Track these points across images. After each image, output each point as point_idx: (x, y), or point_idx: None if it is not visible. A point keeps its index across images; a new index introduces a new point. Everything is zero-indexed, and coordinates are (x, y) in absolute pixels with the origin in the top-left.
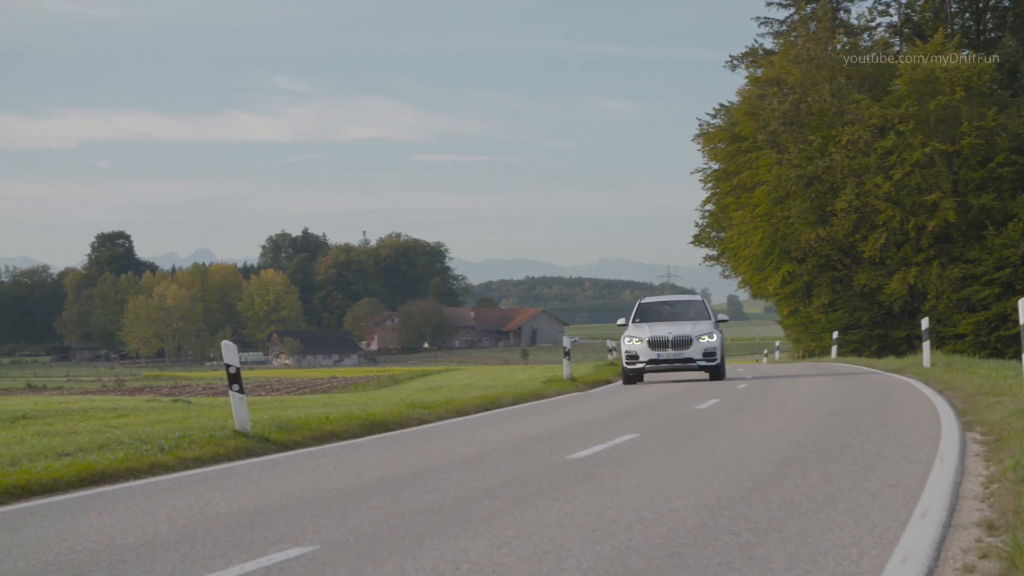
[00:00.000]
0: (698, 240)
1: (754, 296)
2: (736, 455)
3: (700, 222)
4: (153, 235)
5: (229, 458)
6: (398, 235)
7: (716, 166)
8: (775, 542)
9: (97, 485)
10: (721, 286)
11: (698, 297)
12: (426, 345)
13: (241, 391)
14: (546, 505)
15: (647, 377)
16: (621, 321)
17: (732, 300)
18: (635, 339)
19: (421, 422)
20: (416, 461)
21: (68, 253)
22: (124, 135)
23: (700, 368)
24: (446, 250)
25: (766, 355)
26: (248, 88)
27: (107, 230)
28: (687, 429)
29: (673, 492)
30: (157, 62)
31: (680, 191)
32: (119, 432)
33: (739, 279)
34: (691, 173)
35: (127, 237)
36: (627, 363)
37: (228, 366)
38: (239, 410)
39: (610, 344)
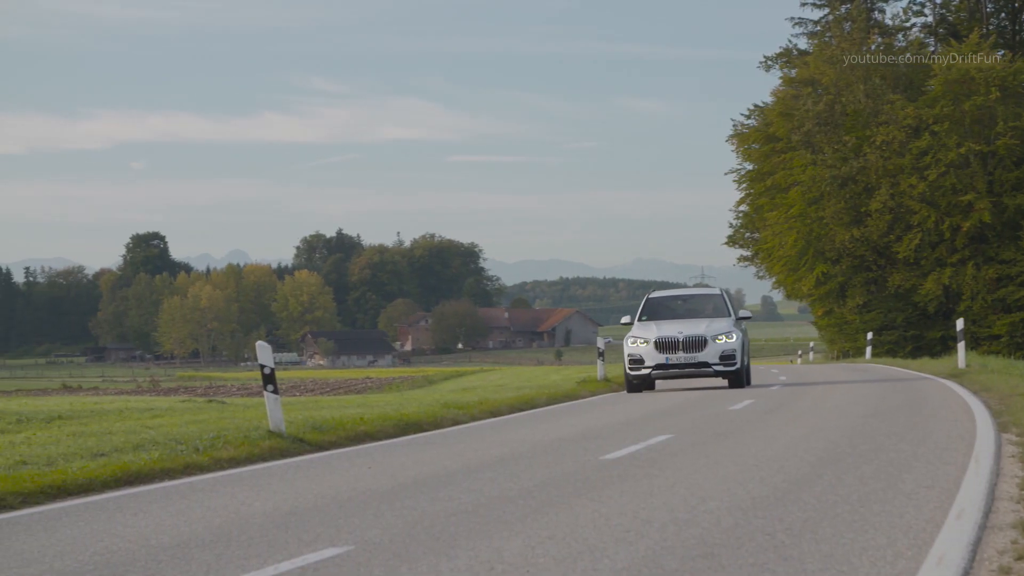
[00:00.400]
0: (732, 241)
1: (788, 297)
2: (770, 456)
3: (734, 223)
4: (188, 236)
5: (264, 458)
6: (432, 236)
7: (750, 167)
8: (809, 543)
9: (132, 485)
10: (755, 287)
11: (716, 290)
12: (460, 346)
13: (275, 391)
14: (580, 506)
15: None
16: (625, 319)
17: (766, 301)
18: (639, 340)
19: (455, 422)
20: (450, 461)
21: (103, 254)
22: (159, 136)
23: (717, 374)
24: (480, 251)
25: (800, 356)
26: (283, 89)
27: (142, 231)
28: (721, 430)
29: (707, 493)
30: (192, 63)
31: (714, 192)
32: (154, 432)
33: (773, 280)
34: (725, 174)
35: (162, 238)
36: (630, 368)
37: (263, 367)
38: (273, 410)
39: None
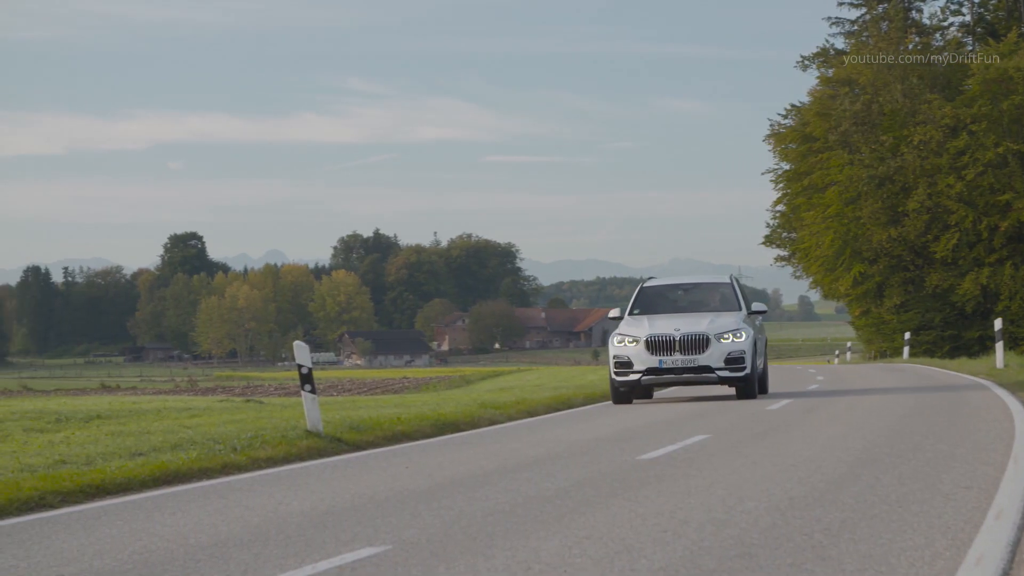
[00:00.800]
0: (769, 240)
1: (825, 297)
2: (808, 456)
3: (771, 222)
4: (225, 236)
5: (301, 458)
6: (469, 236)
7: (787, 166)
8: (847, 543)
9: (170, 484)
10: (792, 287)
11: (725, 278)
12: (497, 346)
13: (313, 391)
14: (617, 506)
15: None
16: (614, 312)
17: (803, 300)
18: (627, 339)
19: (492, 422)
20: (487, 461)
21: (141, 254)
22: (196, 136)
23: (722, 381)
24: (517, 251)
25: (837, 356)
26: (320, 89)
27: (180, 231)
28: (758, 430)
29: (745, 493)
30: (230, 64)
31: (751, 192)
32: (192, 432)
33: (810, 280)
34: (762, 174)
35: (199, 238)
36: (616, 374)
37: (300, 366)
38: (311, 410)
39: None
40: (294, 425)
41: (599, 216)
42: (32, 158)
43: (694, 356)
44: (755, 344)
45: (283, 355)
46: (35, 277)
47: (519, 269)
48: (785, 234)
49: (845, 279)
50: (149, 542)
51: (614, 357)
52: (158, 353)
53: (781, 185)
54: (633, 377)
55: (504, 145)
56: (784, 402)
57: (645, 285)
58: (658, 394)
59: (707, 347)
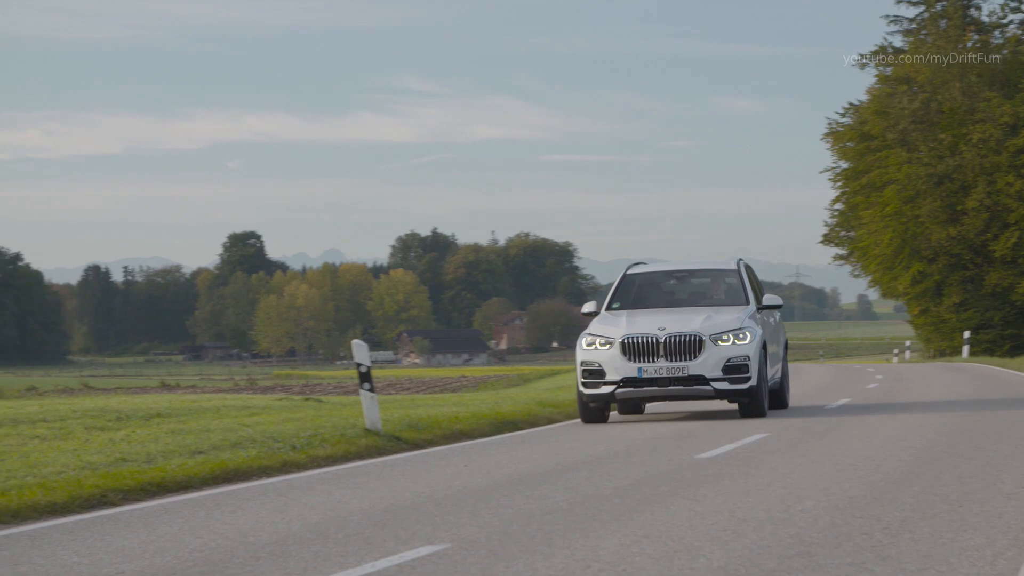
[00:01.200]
0: (827, 239)
1: (884, 296)
2: (867, 455)
3: (829, 221)
4: (284, 235)
5: (360, 456)
6: (526, 235)
7: (845, 165)
8: (907, 543)
9: (230, 483)
10: (851, 285)
11: (731, 263)
12: (555, 344)
13: (372, 390)
14: (676, 504)
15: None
16: (588, 307)
17: (862, 299)
18: (599, 340)
19: (551, 421)
20: (546, 460)
21: (200, 253)
22: (254, 136)
23: (719, 395)
24: (574, 249)
25: (896, 355)
26: (376, 89)
27: (238, 230)
28: (817, 428)
29: (804, 492)
30: (286, 63)
31: (808, 190)
32: (251, 430)
33: (869, 278)
34: (820, 172)
35: (258, 237)
36: (585, 385)
37: (359, 365)
38: (370, 409)
39: None
40: (353, 424)
41: (656, 215)
42: (92, 158)
43: (683, 363)
44: (763, 347)
45: (341, 354)
46: (96, 276)
47: (576, 268)
48: (843, 233)
49: (904, 278)
50: (210, 540)
51: (582, 364)
52: (217, 352)
53: (839, 184)
54: (605, 390)
55: (560, 144)
56: (843, 401)
57: (630, 271)
58: (651, 407)
59: (700, 351)
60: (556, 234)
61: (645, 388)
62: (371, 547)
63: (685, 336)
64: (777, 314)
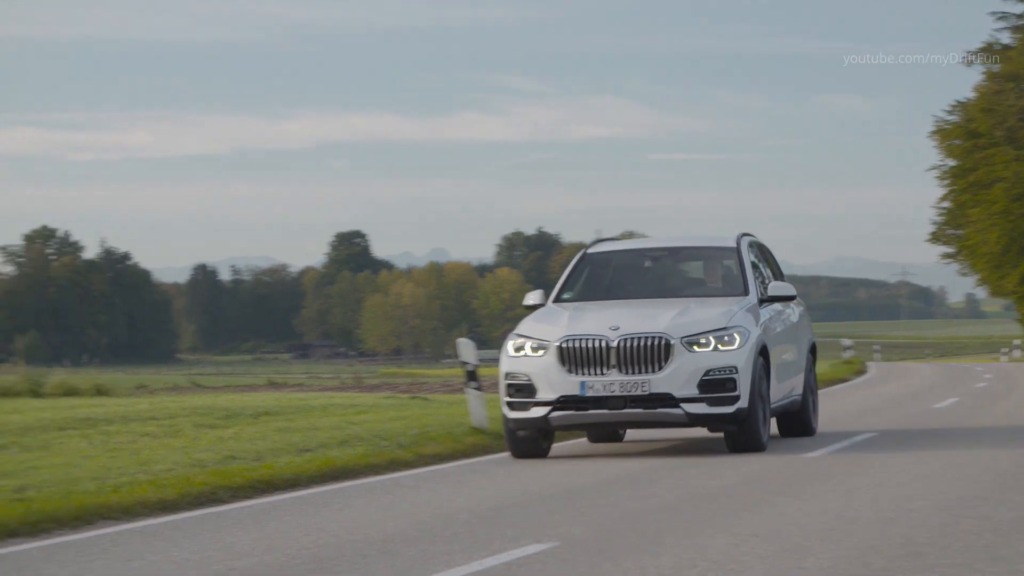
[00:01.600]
0: (935, 238)
1: (992, 295)
2: (977, 454)
3: (936, 219)
4: (389, 234)
5: (467, 455)
6: (631, 233)
7: (952, 163)
8: (1019, 543)
9: (338, 480)
10: (959, 284)
11: (728, 240)
12: None
13: (479, 388)
14: (784, 503)
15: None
16: (532, 298)
17: (970, 298)
18: (529, 344)
19: None
20: (654, 457)
21: (306, 252)
22: (359, 135)
23: (695, 421)
24: None
25: (1005, 354)
26: (482, 88)
27: (344, 229)
28: (925, 427)
29: (913, 492)
30: (392, 63)
31: (914, 188)
32: (358, 428)
33: (976, 277)
34: (927, 170)
35: (364, 236)
36: (510, 404)
37: (465, 363)
38: (476, 407)
39: (845, 343)
40: (460, 422)
41: (760, 213)
42: (199, 158)
43: (643, 376)
44: (763, 354)
45: (447, 352)
46: (204, 275)
47: None
48: (951, 231)
49: (1012, 276)
50: (318, 537)
51: (506, 377)
52: (324, 350)
53: (946, 181)
54: (536, 412)
55: (664, 143)
56: (951, 400)
57: (591, 250)
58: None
59: (667, 359)
60: (661, 233)
61: (590, 411)
62: (478, 545)
63: (646, 338)
64: (797, 308)
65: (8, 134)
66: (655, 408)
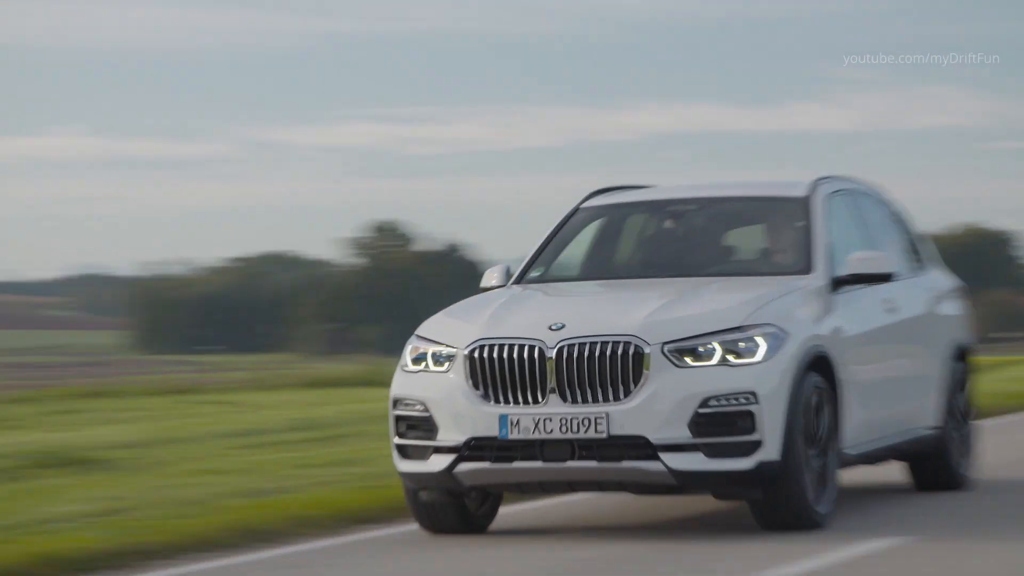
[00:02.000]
0: None
1: None
2: None
3: None
4: None
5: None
6: (963, 224)
7: None
8: None
9: None
10: None
11: (795, 189)
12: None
13: None
14: None
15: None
16: (491, 277)
17: None
18: (431, 352)
19: None
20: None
21: None
22: (690, 126)
23: (683, 481)
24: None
25: None
26: (811, 78)
27: None
28: None
29: None
30: (721, 54)
31: None
32: None
33: None
34: None
35: None
36: (399, 447)
37: None
38: None
39: None
40: None
41: None
42: (533, 150)
43: (599, 407)
44: (815, 369)
45: None
46: None
47: (1013, 257)
48: None
49: None
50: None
51: (395, 404)
52: None
53: None
54: (436, 465)
55: (1001, 132)
56: None
57: (586, 203)
58: None
59: (638, 379)
60: (995, 223)
61: (516, 464)
62: None
63: (602, 344)
64: (928, 292)
65: (351, 128)
66: (618, 461)
